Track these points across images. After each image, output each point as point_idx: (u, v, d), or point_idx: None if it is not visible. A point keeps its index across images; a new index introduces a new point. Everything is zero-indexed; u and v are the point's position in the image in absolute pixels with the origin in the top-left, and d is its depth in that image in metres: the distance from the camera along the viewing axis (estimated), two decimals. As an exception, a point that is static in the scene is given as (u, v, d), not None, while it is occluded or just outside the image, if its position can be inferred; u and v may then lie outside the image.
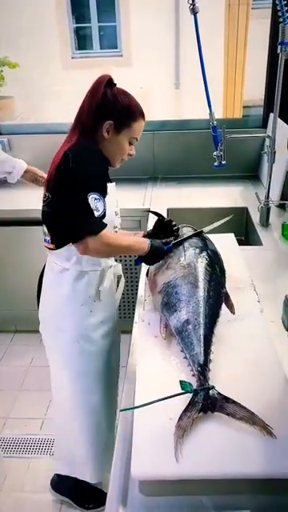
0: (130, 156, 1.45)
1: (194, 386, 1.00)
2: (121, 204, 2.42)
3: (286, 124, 2.14)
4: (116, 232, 1.50)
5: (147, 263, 1.46)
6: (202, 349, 1.09)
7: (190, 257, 1.39)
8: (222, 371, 1.08)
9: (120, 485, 0.90)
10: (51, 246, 1.42)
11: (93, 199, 1.28)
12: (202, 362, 1.06)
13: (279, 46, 1.76)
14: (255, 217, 2.14)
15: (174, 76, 7.14)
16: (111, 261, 1.55)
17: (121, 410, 1.04)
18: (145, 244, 1.40)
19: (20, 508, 1.83)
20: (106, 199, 1.32)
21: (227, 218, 1.64)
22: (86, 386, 1.55)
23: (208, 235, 1.55)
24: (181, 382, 0.98)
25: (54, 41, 6.91)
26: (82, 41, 7.39)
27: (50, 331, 1.54)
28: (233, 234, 1.80)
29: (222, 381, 1.04)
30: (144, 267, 1.55)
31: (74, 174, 1.29)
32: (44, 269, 1.56)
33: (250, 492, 0.88)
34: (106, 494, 0.90)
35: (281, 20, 1.70)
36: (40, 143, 2.64)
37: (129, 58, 7.09)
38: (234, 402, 0.96)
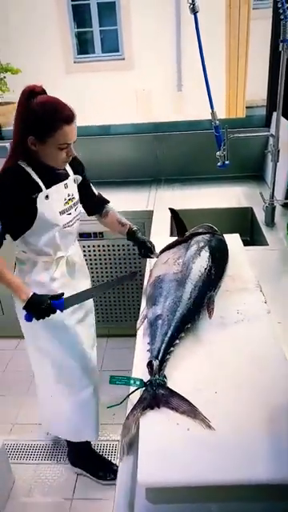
0: (70, 156, 1.45)
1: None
2: (124, 206, 2.42)
3: (289, 122, 2.12)
4: (69, 225, 1.54)
5: (34, 316, 1.42)
6: (164, 345, 1.11)
7: (189, 255, 1.39)
8: (228, 373, 1.06)
9: (126, 492, 0.88)
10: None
11: None
12: (158, 357, 1.07)
13: (281, 44, 1.75)
14: (260, 217, 2.12)
15: (176, 78, 7.13)
16: (63, 252, 1.60)
17: (108, 407, 1.10)
18: (25, 293, 1.40)
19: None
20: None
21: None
22: (58, 361, 1.68)
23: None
24: (111, 377, 1.02)
25: (56, 46, 6.94)
26: (84, 45, 7.41)
27: (19, 318, 1.64)
28: (238, 235, 1.77)
29: (227, 382, 1.02)
30: (149, 263, 1.56)
31: None
32: None
33: (260, 499, 0.85)
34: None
35: (282, 17, 1.69)
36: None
37: (131, 61, 7.10)
38: (178, 396, 0.97)
